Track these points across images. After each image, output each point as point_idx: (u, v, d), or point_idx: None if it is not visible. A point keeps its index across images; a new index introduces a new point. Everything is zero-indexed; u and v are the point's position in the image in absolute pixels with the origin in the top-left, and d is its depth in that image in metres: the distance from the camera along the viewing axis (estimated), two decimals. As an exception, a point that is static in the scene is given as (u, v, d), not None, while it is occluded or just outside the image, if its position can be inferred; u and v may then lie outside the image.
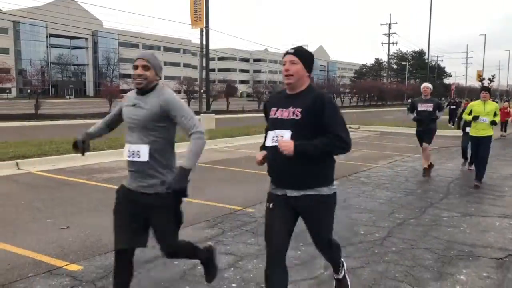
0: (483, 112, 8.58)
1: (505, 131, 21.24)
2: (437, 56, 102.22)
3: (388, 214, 6.54)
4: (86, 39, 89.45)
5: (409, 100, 28.17)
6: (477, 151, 8.74)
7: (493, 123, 8.63)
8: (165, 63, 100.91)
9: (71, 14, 76.91)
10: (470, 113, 8.80)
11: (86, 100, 66.75)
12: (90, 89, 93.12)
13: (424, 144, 9.51)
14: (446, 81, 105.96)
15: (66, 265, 4.37)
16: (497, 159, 12.78)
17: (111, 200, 7.02)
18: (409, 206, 7.05)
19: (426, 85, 9.58)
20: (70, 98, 76.56)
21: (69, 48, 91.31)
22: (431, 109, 9.26)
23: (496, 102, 25.58)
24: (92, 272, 4.21)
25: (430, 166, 9.78)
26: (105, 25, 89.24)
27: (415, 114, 9.52)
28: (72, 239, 5.15)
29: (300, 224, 5.53)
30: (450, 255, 4.86)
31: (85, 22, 78.64)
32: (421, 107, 9.33)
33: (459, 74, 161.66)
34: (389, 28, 69.72)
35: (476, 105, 8.77)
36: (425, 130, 9.42)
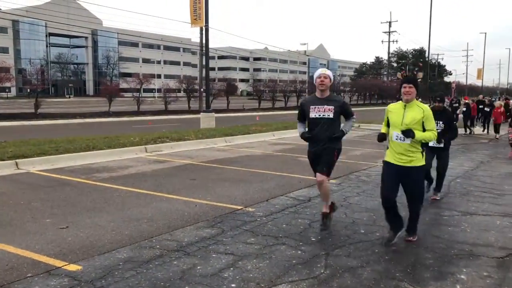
0: (400, 122, 4.92)
1: (498, 132, 18.99)
2: (438, 54, 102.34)
3: (388, 213, 6.51)
4: (86, 38, 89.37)
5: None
6: (397, 187, 5.08)
7: (424, 145, 5.02)
8: (165, 62, 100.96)
9: (70, 13, 76.88)
10: (388, 125, 5.20)
11: (86, 99, 66.72)
12: (90, 88, 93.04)
13: (318, 175, 5.59)
14: (447, 79, 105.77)
15: (65, 265, 4.35)
16: (496, 158, 12.77)
17: (110, 199, 7.05)
18: (409, 205, 7.02)
19: (323, 73, 5.51)
20: (69, 97, 76.51)
21: (68, 47, 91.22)
22: (331, 115, 5.41)
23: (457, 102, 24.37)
24: (91, 272, 4.19)
25: (331, 208, 5.85)
26: (104, 24, 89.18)
27: (305, 126, 5.73)
28: (71, 239, 5.13)
29: (297, 224, 5.52)
30: (451, 254, 4.84)
31: (85, 21, 78.55)
32: (314, 112, 5.48)
33: (459, 72, 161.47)
34: (389, 26, 69.52)
35: (394, 111, 5.10)
36: (322, 151, 5.54)
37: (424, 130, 4.95)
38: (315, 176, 5.73)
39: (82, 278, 4.06)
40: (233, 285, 3.97)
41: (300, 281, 4.08)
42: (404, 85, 4.99)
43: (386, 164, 5.13)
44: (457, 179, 9.38)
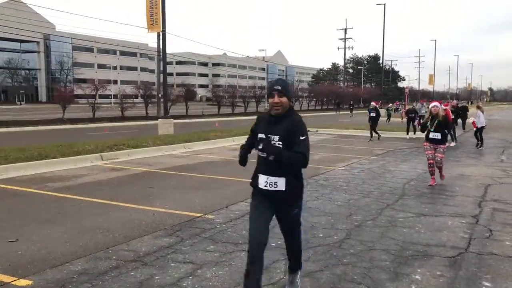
0: None
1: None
2: (391, 61, 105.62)
3: (346, 216, 6.63)
4: (38, 42, 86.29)
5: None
6: None
7: None
8: (121, 68, 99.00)
9: (20, 16, 73.97)
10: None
11: (39, 106, 64.38)
12: (42, 94, 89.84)
13: None
14: (400, 84, 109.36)
15: (15, 280, 4.15)
16: (448, 160, 13.27)
17: (64, 209, 6.80)
18: (366, 208, 7.18)
19: None
20: (21, 104, 73.61)
21: (19, 52, 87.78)
22: None
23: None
24: (42, 286, 4.01)
25: None
26: (58, 29, 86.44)
27: None
28: (22, 253, 4.91)
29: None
30: (406, 255, 4.97)
31: (36, 25, 75.77)
32: None
33: (412, 78, 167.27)
34: (345, 33, 71.20)
35: None
36: None
37: None
38: None
39: (33, 293, 3.89)
40: (192, 294, 3.91)
41: (260, 287, 4.06)
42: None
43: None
44: (411, 181, 9.67)
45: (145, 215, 6.51)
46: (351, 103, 56.67)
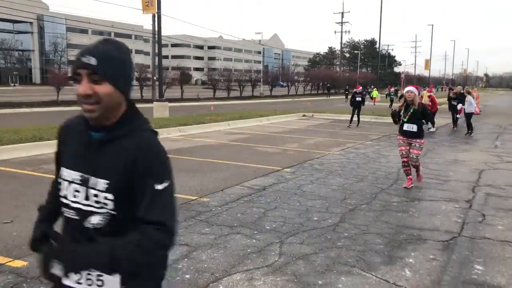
0: None
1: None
2: (388, 45, 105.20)
3: (340, 200, 6.66)
4: (31, 23, 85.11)
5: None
6: None
7: None
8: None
9: (13, -4, 72.82)
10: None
11: (32, 88, 63.81)
12: (36, 76, 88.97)
13: None
14: (397, 69, 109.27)
15: (10, 261, 4.15)
16: (442, 145, 13.33)
17: (59, 192, 6.76)
18: (360, 192, 7.21)
19: None
20: (14, 85, 72.87)
21: (12, 32, 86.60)
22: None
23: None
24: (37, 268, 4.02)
25: None
26: (51, 9, 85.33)
27: None
28: (17, 234, 4.91)
29: (252, 212, 5.51)
30: (400, 239, 5.01)
31: (29, 5, 74.70)
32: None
33: (408, 63, 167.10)
34: (342, 17, 70.64)
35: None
36: None
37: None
38: None
39: (28, 274, 3.90)
40: (187, 276, 3.94)
41: (254, 269, 4.10)
42: None
43: None
44: (406, 166, 9.70)
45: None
46: (347, 87, 56.15)
